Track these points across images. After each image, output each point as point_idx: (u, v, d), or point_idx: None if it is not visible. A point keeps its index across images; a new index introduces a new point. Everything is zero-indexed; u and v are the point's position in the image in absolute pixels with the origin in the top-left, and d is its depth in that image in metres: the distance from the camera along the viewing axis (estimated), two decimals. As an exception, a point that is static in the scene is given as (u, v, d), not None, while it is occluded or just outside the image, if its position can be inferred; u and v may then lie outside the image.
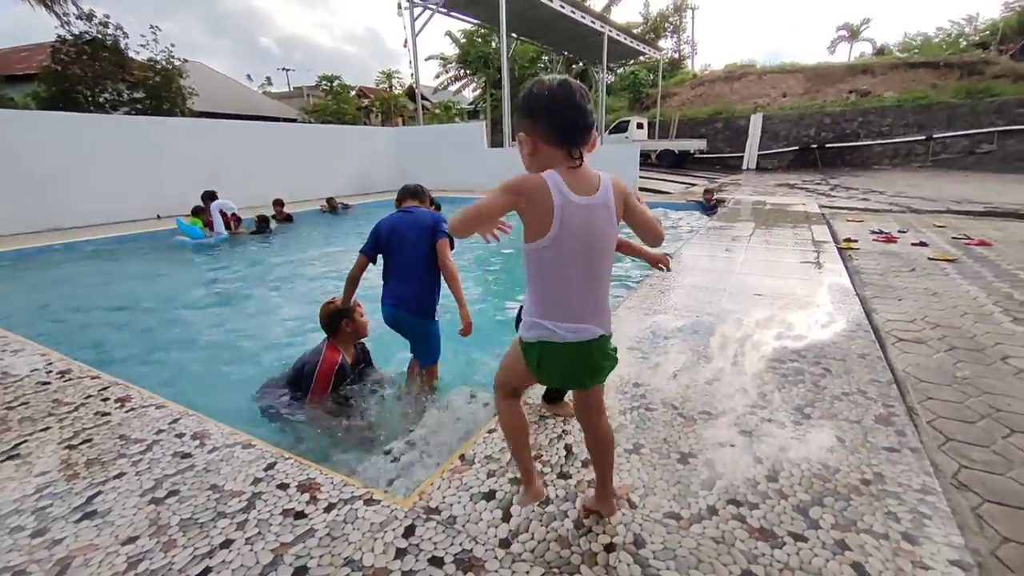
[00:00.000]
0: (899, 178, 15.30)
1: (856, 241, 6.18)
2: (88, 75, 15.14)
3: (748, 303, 3.70)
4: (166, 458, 1.93)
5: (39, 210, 8.10)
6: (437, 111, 36.76)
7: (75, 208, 8.45)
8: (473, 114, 38.97)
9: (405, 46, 15.06)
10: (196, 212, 7.74)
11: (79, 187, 8.51)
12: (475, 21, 18.01)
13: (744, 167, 21.68)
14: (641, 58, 25.39)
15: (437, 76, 32.11)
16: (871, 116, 20.11)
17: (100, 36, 15.13)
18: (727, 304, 3.70)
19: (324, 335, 2.72)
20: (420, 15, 14.78)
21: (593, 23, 16.37)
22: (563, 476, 1.78)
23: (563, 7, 14.74)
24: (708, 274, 4.59)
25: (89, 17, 14.85)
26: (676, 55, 36.13)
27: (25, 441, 2.06)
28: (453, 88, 31.91)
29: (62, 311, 4.68)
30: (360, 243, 2.71)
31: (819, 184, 14.28)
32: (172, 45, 16.70)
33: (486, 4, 13.93)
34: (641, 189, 12.10)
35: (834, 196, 11.35)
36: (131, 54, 15.94)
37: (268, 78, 37.63)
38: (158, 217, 9.08)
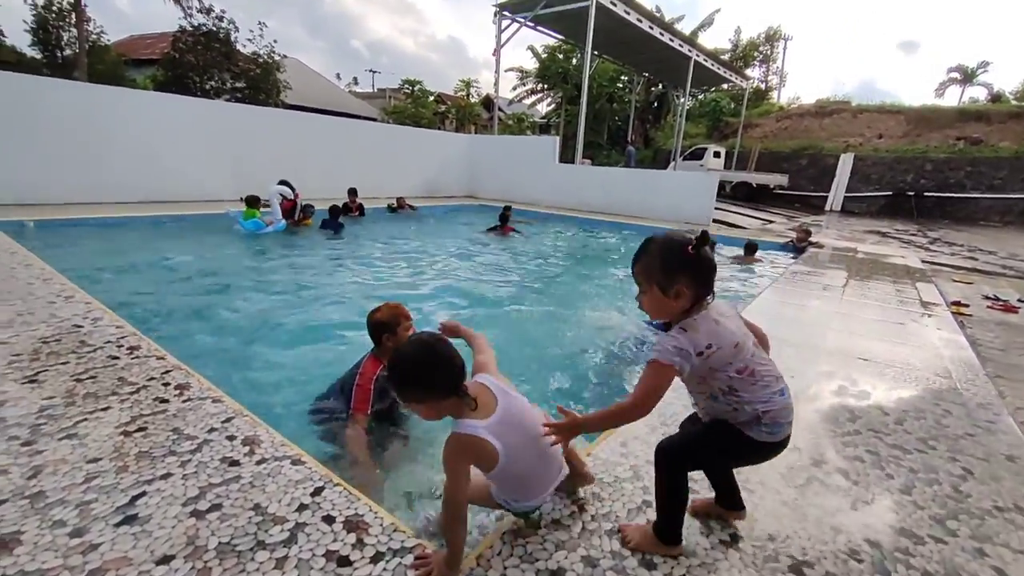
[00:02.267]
0: (1011, 238, 13.64)
1: (967, 306, 5.42)
2: (200, 63, 16.47)
3: (851, 368, 3.22)
4: (214, 463, 1.81)
5: (138, 182, 8.69)
6: (510, 122, 37.29)
7: (169, 183, 9.04)
8: (544, 128, 39.21)
9: (495, 54, 15.26)
10: (251, 203, 7.57)
11: (174, 165, 9.08)
12: (560, 37, 18.03)
13: (828, 208, 20.23)
14: (725, 86, 24.42)
15: (514, 88, 32.56)
16: (982, 167, 18.19)
17: (215, 28, 16.43)
18: (825, 366, 3.24)
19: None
20: (507, 27, 14.94)
21: (681, 46, 15.92)
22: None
23: (652, 28, 14.43)
24: (796, 327, 4.07)
25: (208, 11, 16.17)
26: (763, 85, 34.69)
27: (85, 420, 2.02)
28: (528, 101, 32.17)
29: (141, 282, 4.90)
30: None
31: (915, 235, 12.99)
32: (274, 41, 17.89)
33: (573, 21, 13.89)
34: (715, 221, 11.45)
35: (934, 251, 10.23)
36: (239, 47, 17.20)
37: (355, 78, 39.95)
38: (242, 200, 9.52)
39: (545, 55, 28.36)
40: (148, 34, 29.24)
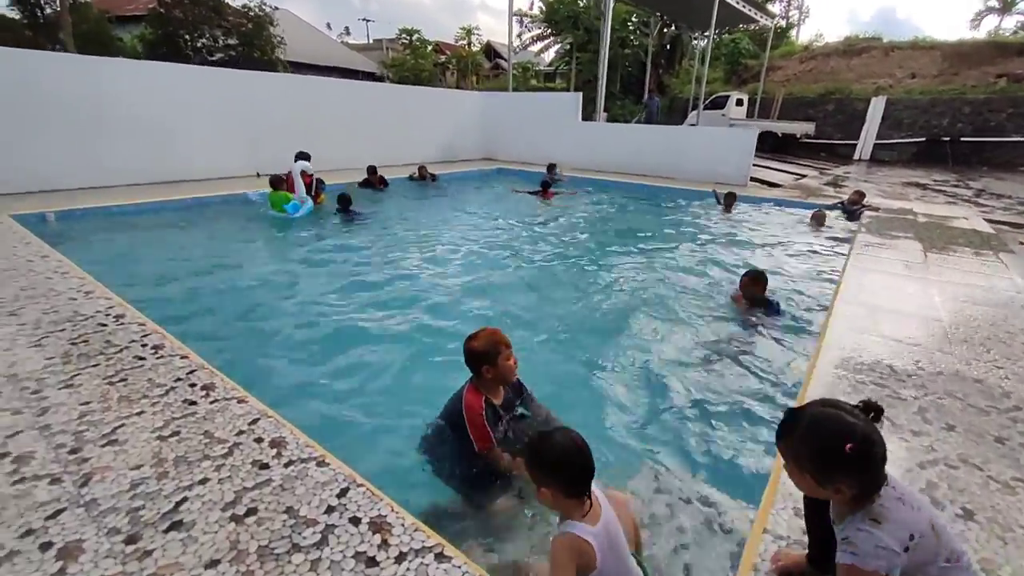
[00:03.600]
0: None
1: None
2: (188, 19, 15.99)
3: (1003, 366, 2.99)
4: (245, 466, 1.97)
5: (149, 162, 8.47)
6: (515, 72, 35.93)
7: (182, 162, 8.82)
8: (550, 76, 37.72)
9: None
10: (277, 184, 7.15)
11: (184, 140, 8.82)
12: None
13: (856, 157, 19.55)
14: (748, 25, 23.09)
15: (518, 35, 31.14)
16: (1025, 108, 17.29)
17: (201, -20, 15.84)
18: (961, 366, 2.99)
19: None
20: None
21: None
22: None
23: None
24: (902, 317, 3.78)
25: (192, -39, 15.52)
26: (783, 22, 32.73)
27: (123, 425, 2.19)
28: (534, 48, 30.83)
29: (157, 275, 4.87)
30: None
31: (957, 186, 12.54)
32: (265, -8, 17.20)
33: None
34: (752, 179, 11.01)
35: (984, 204, 9.83)
36: (228, 0, 16.62)
37: (347, 27, 38.47)
38: (258, 175, 9.28)
39: (552, -3, 26.90)
40: (130, -13, 28.24)
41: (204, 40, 16.53)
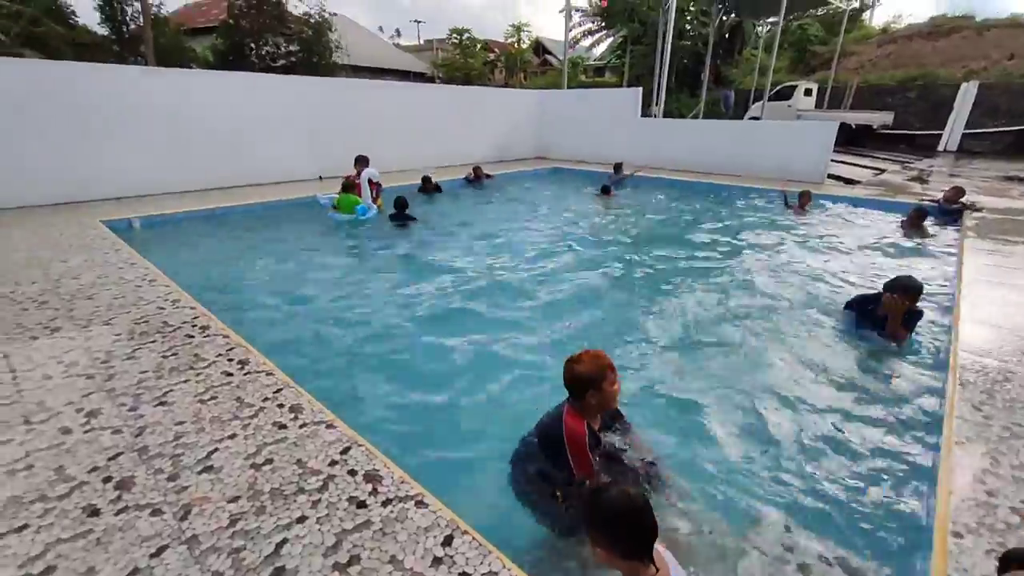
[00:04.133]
0: None
1: None
2: (254, 28, 16.68)
3: None
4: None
5: (224, 167, 8.76)
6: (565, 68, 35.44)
7: (252, 166, 9.08)
8: (599, 71, 36.90)
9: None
10: (349, 187, 7.15)
11: (254, 145, 9.02)
12: None
13: (942, 148, 17.85)
14: (820, 10, 21.58)
15: (569, 30, 30.65)
16: None
17: (266, -10, 16.48)
18: None
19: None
20: None
21: None
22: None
23: None
24: None
25: (258, -28, 16.17)
26: (856, 3, 30.42)
27: (216, 450, 2.14)
28: (587, 43, 30.22)
29: (235, 281, 4.90)
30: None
31: None
32: (324, -1, 17.68)
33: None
34: (829, 176, 10.18)
35: None
36: (290, 8, 17.22)
37: (397, 30, 38.95)
38: (320, 178, 9.51)
39: (605, -12, 26.18)
40: (202, 1, 29.96)
41: (268, 48, 17.18)
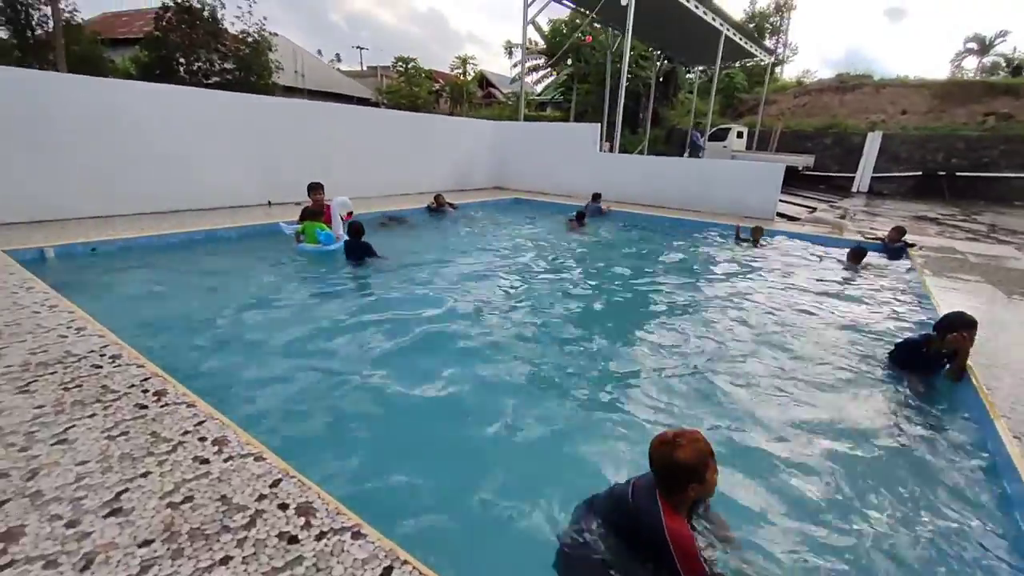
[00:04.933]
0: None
1: None
2: (185, 43, 15.96)
3: None
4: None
5: (162, 189, 7.83)
6: (509, 101, 36.67)
7: (193, 190, 8.22)
8: (541, 106, 38.52)
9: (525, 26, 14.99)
10: (310, 216, 6.46)
11: (196, 167, 8.20)
12: (577, 10, 17.58)
13: (855, 189, 19.98)
14: (744, 62, 23.94)
15: (515, 65, 31.97)
16: (1018, 144, 17.89)
17: (200, 5, 15.89)
18: None
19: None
20: (532, 2, 14.51)
21: (712, 20, 15.42)
22: None
23: (688, 1, 13.87)
24: None
25: (192, -14, 15.61)
26: (773, 60, 34.16)
27: (126, 491, 1.83)
28: (531, 79, 31.54)
29: (170, 321, 4.19)
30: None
31: (965, 221, 12.68)
32: (264, 18, 17.33)
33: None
34: (778, 215, 10.81)
35: (1007, 241, 9.75)
36: (226, 25, 16.69)
37: (338, 55, 38.82)
38: (269, 204, 8.85)
39: (548, 29, 27.70)
40: (123, 11, 28.51)
41: (200, 64, 16.46)
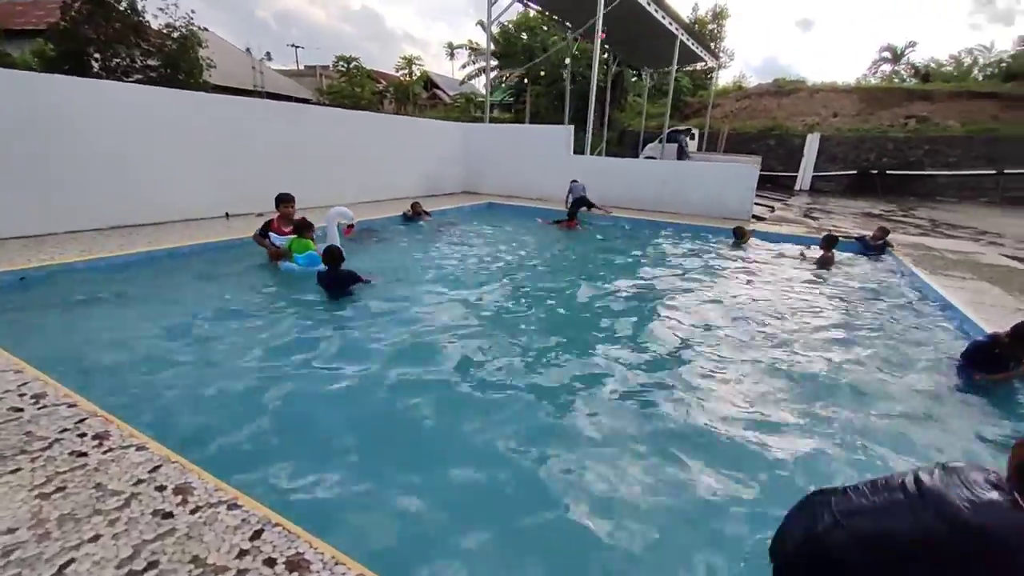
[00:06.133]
0: (983, 214, 14.69)
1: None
2: (100, 37, 14.59)
3: None
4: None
5: (104, 202, 6.84)
6: (458, 103, 36.41)
7: (141, 201, 7.22)
8: (490, 108, 38.50)
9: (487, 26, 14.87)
10: (301, 229, 5.64)
11: (143, 175, 7.20)
12: (538, 10, 17.65)
13: (797, 187, 21.17)
14: (696, 65, 24.93)
15: (463, 67, 31.82)
16: (939, 145, 19.58)
17: (116, -5, 14.61)
18: None
19: None
20: (496, 1, 14.33)
21: (670, 24, 15.82)
22: None
23: (649, 4, 14.06)
24: None
25: (106, -27, 14.32)
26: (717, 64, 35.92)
27: (72, 561, 1.41)
28: (480, 80, 31.42)
29: (133, 364, 3.40)
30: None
31: (907, 217, 13.60)
32: (192, 12, 16.18)
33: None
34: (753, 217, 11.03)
35: (954, 235, 10.35)
36: (148, 18, 15.42)
37: (268, 53, 37.09)
38: (227, 216, 8.00)
39: (498, 30, 27.71)
40: (17, 0, 25.92)
41: (119, 60, 15.07)
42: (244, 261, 5.88)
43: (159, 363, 3.40)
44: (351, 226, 6.29)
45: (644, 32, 16.34)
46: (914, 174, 19.79)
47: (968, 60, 32.94)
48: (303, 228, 5.59)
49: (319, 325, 4.26)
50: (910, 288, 6.21)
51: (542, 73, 26.03)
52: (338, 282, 4.86)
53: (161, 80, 15.22)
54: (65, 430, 2.15)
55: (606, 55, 22.38)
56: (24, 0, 25.47)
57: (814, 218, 12.30)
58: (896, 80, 33.32)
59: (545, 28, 27.55)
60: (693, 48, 18.32)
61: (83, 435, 2.13)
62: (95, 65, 14.82)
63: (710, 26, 36.42)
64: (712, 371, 3.75)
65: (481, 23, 28.54)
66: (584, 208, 9.93)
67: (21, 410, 2.28)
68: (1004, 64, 28.15)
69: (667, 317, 4.94)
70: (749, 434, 2.89)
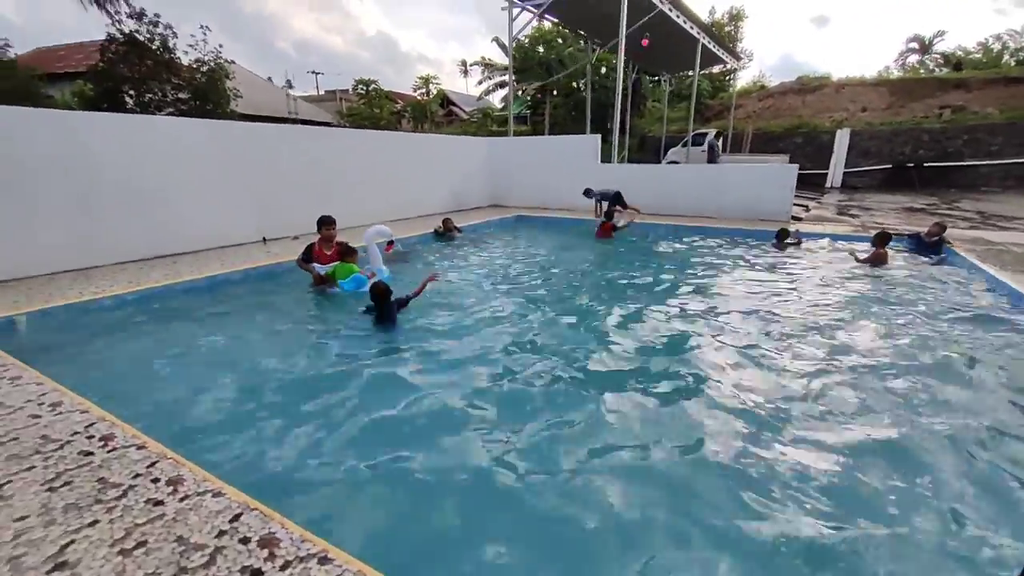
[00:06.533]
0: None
1: None
2: (135, 75, 15.21)
3: None
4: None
5: (145, 233, 7.07)
6: (475, 118, 36.76)
7: (181, 230, 7.46)
8: (503, 121, 38.75)
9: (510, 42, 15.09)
10: (343, 255, 5.69)
11: (181, 205, 7.42)
12: (555, 22, 17.91)
13: (828, 184, 20.60)
14: (716, 67, 24.73)
15: (479, 83, 32.19)
16: (979, 133, 18.83)
17: (149, 36, 15.23)
18: None
19: None
20: (518, 16, 14.49)
21: (691, 28, 15.73)
22: None
23: (671, 11, 14.00)
24: None
25: (140, 15, 14.95)
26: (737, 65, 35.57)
27: (72, 542, 1.36)
28: (496, 96, 31.78)
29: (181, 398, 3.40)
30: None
31: (952, 210, 13.03)
32: (220, 46, 16.75)
33: (579, 8, 13.35)
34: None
35: (1012, 227, 9.78)
36: (179, 54, 16.03)
37: (289, 80, 38.20)
38: (264, 241, 8.14)
39: (514, 46, 28.01)
40: (59, 46, 27.41)
41: (152, 95, 15.69)
42: (292, 288, 5.93)
43: (225, 405, 3.35)
44: (391, 243, 6.29)
45: (666, 38, 16.26)
46: (954, 165, 19.06)
47: (997, 46, 31.95)
48: (345, 254, 5.59)
49: (370, 356, 4.17)
50: (984, 289, 5.79)
51: (553, 86, 26.18)
52: (389, 316, 4.68)
53: (191, 112, 15.76)
54: (75, 433, 2.40)
55: (629, 65, 22.35)
56: (65, 46, 26.88)
57: (853, 215, 11.90)
58: (923, 71, 32.49)
59: (560, 40, 27.70)
60: (714, 50, 18.13)
61: (91, 437, 2.37)
62: (130, 101, 15.43)
63: (727, 28, 36.16)
64: (804, 393, 3.50)
65: (497, 40, 28.90)
66: (617, 208, 9.87)
67: (39, 416, 2.38)
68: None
69: (735, 328, 4.72)
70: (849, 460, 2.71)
